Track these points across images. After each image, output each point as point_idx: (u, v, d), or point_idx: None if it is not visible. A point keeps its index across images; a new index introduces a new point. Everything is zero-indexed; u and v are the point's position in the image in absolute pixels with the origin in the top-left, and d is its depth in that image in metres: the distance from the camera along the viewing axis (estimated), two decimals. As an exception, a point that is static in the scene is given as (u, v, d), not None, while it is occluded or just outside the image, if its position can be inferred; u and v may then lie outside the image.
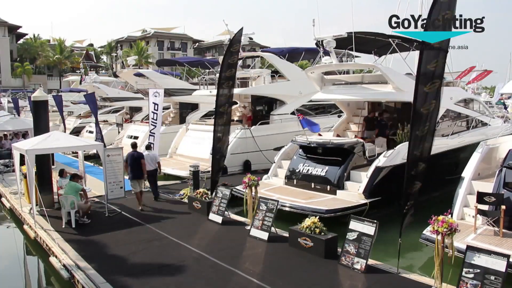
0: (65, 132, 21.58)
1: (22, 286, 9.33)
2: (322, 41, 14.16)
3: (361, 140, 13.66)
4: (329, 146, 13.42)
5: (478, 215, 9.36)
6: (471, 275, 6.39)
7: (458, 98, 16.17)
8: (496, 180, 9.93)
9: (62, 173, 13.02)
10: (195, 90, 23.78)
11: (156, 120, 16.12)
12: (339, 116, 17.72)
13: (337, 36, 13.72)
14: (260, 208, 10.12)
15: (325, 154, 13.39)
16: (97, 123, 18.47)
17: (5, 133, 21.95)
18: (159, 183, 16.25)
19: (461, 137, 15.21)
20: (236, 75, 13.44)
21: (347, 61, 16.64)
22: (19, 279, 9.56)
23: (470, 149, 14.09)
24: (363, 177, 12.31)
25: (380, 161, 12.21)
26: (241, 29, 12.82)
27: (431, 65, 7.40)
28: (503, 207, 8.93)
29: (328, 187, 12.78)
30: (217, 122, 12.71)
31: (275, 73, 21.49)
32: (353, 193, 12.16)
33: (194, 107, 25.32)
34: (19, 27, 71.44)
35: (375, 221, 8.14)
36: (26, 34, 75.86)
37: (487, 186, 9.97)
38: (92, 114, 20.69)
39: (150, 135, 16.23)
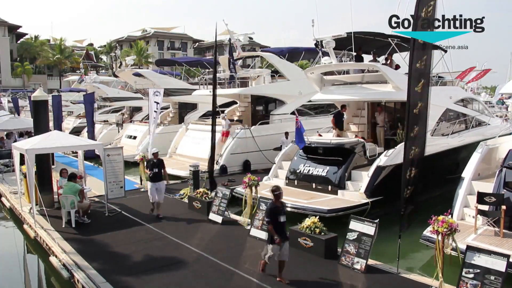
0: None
1: (22, 285, 9.32)
2: (321, 41, 14.14)
3: (362, 140, 13.66)
4: (329, 146, 13.42)
5: (478, 216, 9.35)
6: (471, 275, 6.39)
7: (458, 97, 16.17)
8: (496, 180, 9.92)
9: (62, 173, 13.01)
10: (194, 90, 23.78)
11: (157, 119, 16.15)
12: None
13: (337, 36, 13.68)
14: (260, 208, 10.10)
15: (325, 154, 13.39)
16: (91, 124, 18.48)
17: (3, 136, 21.98)
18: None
19: (461, 137, 15.21)
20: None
21: (346, 61, 16.59)
22: (19, 279, 9.56)
23: (470, 148, 14.10)
24: (364, 176, 12.30)
25: (381, 161, 12.21)
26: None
27: (420, 63, 7.46)
28: (504, 207, 8.93)
29: (329, 187, 12.78)
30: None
31: (275, 73, 21.48)
32: (355, 192, 12.15)
33: (193, 107, 25.36)
34: (19, 27, 71.39)
35: (375, 221, 8.14)
36: (26, 34, 75.88)
37: (487, 186, 9.97)
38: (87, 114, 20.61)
39: (153, 134, 16.21)
